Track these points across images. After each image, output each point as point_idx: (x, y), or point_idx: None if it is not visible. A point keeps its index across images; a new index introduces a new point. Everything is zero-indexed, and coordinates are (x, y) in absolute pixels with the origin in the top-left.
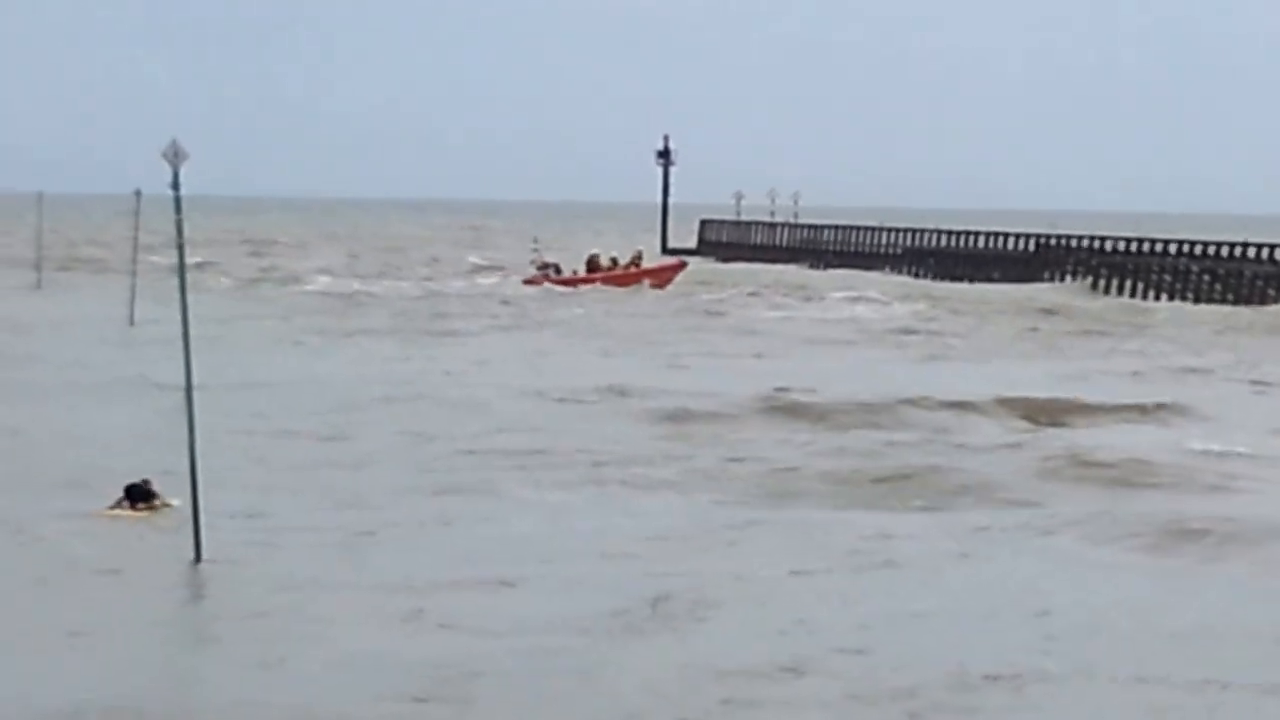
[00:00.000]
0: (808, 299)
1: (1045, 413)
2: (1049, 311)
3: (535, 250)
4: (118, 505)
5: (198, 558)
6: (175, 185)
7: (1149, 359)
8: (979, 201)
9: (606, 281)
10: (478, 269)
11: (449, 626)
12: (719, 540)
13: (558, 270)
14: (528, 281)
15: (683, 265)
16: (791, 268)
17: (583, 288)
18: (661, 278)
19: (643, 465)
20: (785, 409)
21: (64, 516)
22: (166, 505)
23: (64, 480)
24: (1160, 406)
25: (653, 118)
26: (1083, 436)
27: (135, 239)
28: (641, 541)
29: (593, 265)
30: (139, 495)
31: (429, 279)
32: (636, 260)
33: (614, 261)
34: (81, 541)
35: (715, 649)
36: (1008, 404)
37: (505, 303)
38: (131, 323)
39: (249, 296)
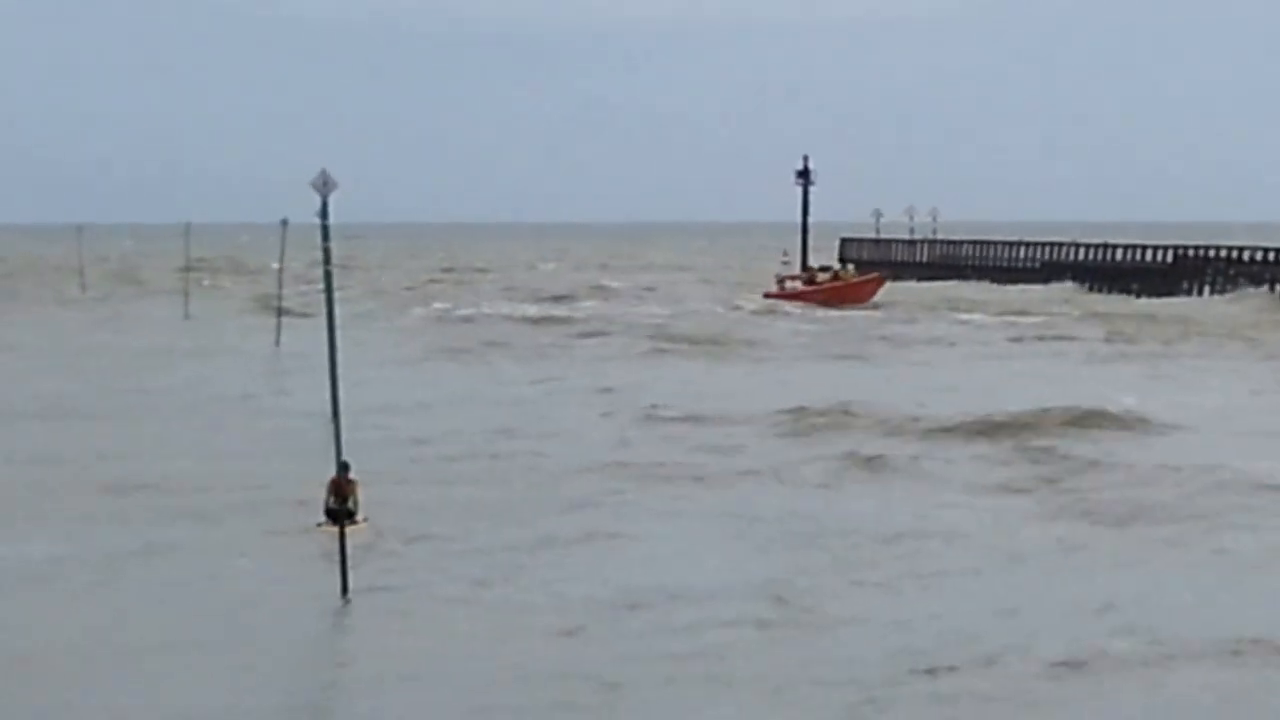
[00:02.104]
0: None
1: None
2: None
3: (785, 263)
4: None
5: (344, 590)
6: (323, 214)
7: None
8: (1124, 214)
9: (828, 294)
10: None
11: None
12: None
13: (812, 278)
14: (771, 294)
15: (882, 280)
16: (954, 283)
17: (812, 301)
18: (869, 288)
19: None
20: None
21: (222, 540)
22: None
23: (223, 503)
24: None
25: (788, 136)
26: None
27: (280, 267)
28: None
29: (811, 279)
30: (335, 516)
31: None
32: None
33: (834, 275)
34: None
35: None
36: None
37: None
38: (277, 344)
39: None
